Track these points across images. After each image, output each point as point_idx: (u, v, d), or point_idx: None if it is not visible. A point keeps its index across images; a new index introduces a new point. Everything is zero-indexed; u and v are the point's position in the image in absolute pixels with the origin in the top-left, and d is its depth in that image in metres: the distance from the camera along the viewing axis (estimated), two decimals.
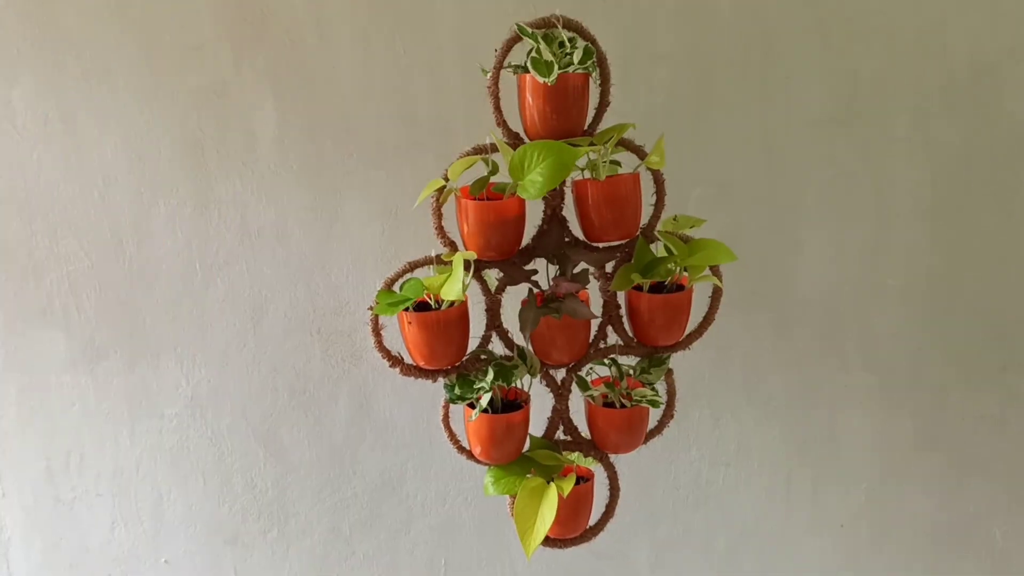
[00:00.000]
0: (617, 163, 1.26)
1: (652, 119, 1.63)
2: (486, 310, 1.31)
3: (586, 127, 1.26)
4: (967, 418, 2.00)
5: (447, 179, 1.23)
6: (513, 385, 1.30)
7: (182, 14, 1.69)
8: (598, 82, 1.25)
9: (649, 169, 1.28)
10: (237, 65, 1.72)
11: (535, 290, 1.29)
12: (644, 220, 1.29)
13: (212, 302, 1.81)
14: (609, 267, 1.32)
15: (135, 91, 1.71)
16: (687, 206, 1.80)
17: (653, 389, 1.34)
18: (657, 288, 1.31)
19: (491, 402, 1.27)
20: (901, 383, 1.97)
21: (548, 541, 1.35)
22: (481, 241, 1.24)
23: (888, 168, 1.85)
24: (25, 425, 1.84)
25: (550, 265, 1.31)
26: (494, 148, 1.23)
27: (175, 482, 1.90)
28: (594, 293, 1.33)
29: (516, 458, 1.33)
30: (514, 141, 1.25)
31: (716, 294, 1.35)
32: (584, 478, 1.37)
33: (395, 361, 1.27)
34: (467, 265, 1.20)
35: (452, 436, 1.36)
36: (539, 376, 1.34)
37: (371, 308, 1.24)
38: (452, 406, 1.34)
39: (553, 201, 1.29)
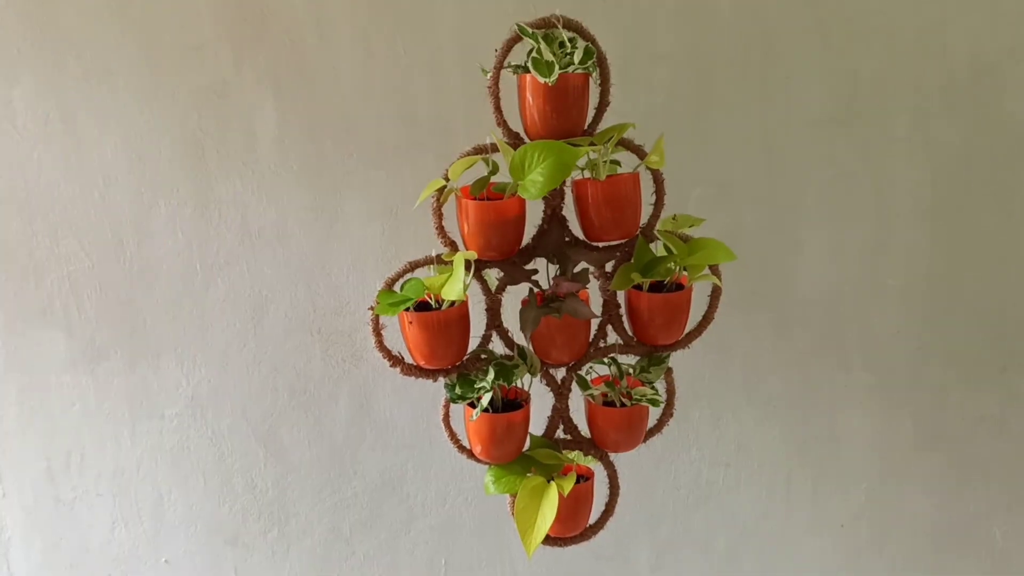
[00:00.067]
0: (617, 163, 1.26)
1: (652, 119, 1.63)
2: (486, 310, 1.31)
3: (586, 127, 1.26)
4: (967, 418, 2.00)
5: (447, 179, 1.23)
6: (513, 384, 1.30)
7: (182, 14, 1.69)
8: (598, 82, 1.26)
9: (649, 169, 1.28)
10: (237, 65, 1.72)
11: (535, 290, 1.29)
12: (644, 220, 1.30)
13: (212, 302, 1.81)
14: (609, 266, 1.32)
15: (135, 91, 1.71)
16: (687, 206, 1.80)
17: (653, 388, 1.34)
18: (657, 287, 1.31)
19: (491, 401, 1.27)
20: (901, 383, 1.97)
21: (549, 540, 1.35)
22: (481, 241, 1.24)
23: (888, 168, 1.85)
24: (25, 425, 1.84)
25: (550, 265, 1.31)
26: (494, 148, 1.23)
27: (175, 482, 1.90)
28: (594, 292, 1.33)
29: (516, 457, 1.33)
30: (514, 141, 1.25)
31: (715, 293, 1.35)
32: (584, 477, 1.37)
33: (396, 361, 1.27)
34: (468, 265, 1.20)
35: (452, 435, 1.36)
36: (539, 375, 1.34)
37: (372, 308, 1.24)
38: (452, 406, 1.34)
39: (553, 201, 1.29)
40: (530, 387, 1.34)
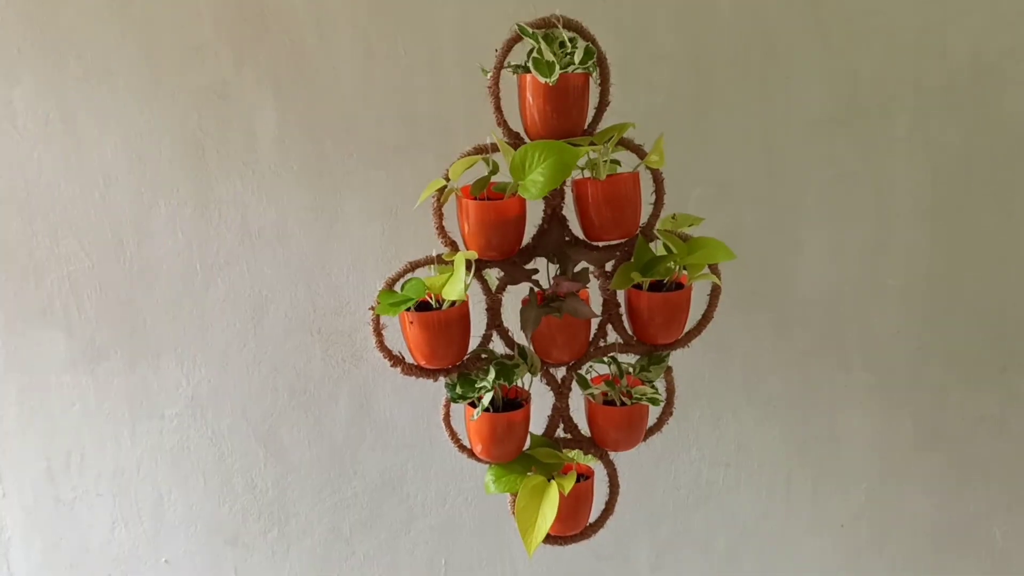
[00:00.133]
0: (617, 162, 1.26)
1: (652, 119, 1.63)
2: (487, 309, 1.32)
3: (586, 127, 1.26)
4: (967, 418, 2.00)
5: (448, 179, 1.23)
6: (514, 384, 1.30)
7: (182, 14, 1.69)
8: (598, 82, 1.26)
9: (648, 168, 1.28)
10: (237, 65, 1.72)
11: (536, 289, 1.29)
12: (644, 219, 1.30)
13: (212, 302, 1.81)
14: (609, 266, 1.32)
15: (135, 91, 1.71)
16: (687, 206, 1.80)
17: (653, 387, 1.35)
18: (656, 286, 1.31)
19: (492, 401, 1.27)
20: (901, 383, 1.97)
21: (549, 539, 1.35)
22: (482, 241, 1.24)
23: (888, 168, 1.85)
24: (25, 425, 1.84)
25: (550, 264, 1.31)
26: (495, 148, 1.23)
27: (175, 482, 1.90)
28: (593, 292, 1.33)
29: (517, 456, 1.34)
30: (514, 141, 1.26)
31: (715, 292, 1.35)
32: (584, 476, 1.38)
33: (396, 361, 1.27)
34: (469, 265, 1.20)
35: (453, 435, 1.36)
36: (539, 375, 1.34)
37: (372, 308, 1.24)
38: (452, 405, 1.34)
39: (553, 200, 1.29)
40: (530, 386, 1.34)
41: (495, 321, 1.32)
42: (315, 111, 1.75)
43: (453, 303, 1.24)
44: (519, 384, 1.33)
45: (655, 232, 1.31)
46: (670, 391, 1.40)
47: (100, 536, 1.92)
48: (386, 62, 1.73)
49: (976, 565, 2.10)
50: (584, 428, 1.40)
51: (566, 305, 1.25)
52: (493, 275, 1.31)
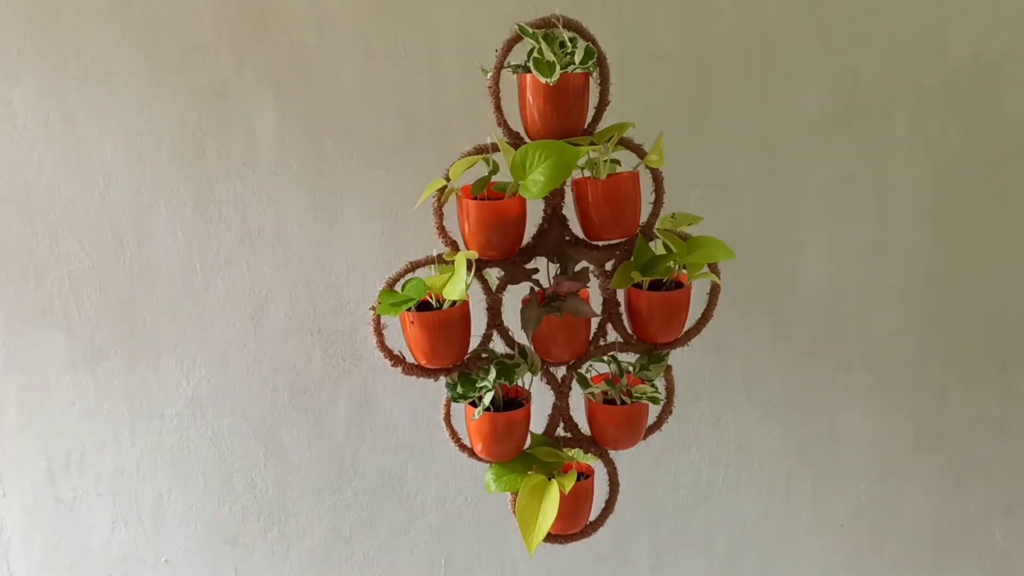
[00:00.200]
0: (617, 162, 1.26)
1: (652, 119, 1.63)
2: (487, 309, 1.32)
3: (586, 126, 1.26)
4: (967, 418, 2.00)
5: (448, 179, 1.23)
6: (514, 383, 1.30)
7: (182, 14, 1.69)
8: (597, 81, 1.26)
9: (648, 168, 1.28)
10: (237, 65, 1.72)
11: (536, 289, 1.29)
12: (643, 218, 1.30)
13: (212, 302, 1.81)
14: (609, 265, 1.32)
15: (135, 91, 1.71)
16: (687, 206, 1.80)
17: (653, 386, 1.35)
18: (656, 286, 1.31)
19: (492, 400, 1.27)
20: (901, 383, 1.98)
21: (550, 537, 1.35)
22: (482, 240, 1.24)
23: (888, 168, 1.85)
24: (25, 425, 1.84)
25: (551, 264, 1.31)
26: (495, 148, 1.23)
27: (175, 482, 1.90)
28: (593, 291, 1.33)
29: (517, 455, 1.34)
30: (515, 141, 1.26)
31: (714, 291, 1.35)
32: (584, 474, 1.38)
33: (397, 360, 1.27)
34: (469, 265, 1.20)
35: (454, 434, 1.36)
36: (539, 374, 1.34)
37: (373, 308, 1.24)
38: (453, 404, 1.34)
39: (553, 200, 1.29)
40: (530, 385, 1.34)
41: (495, 320, 1.32)
42: (315, 111, 1.75)
43: (454, 303, 1.24)
44: (519, 383, 1.33)
45: (655, 231, 1.31)
46: (670, 390, 1.41)
47: (100, 536, 1.92)
48: (386, 62, 1.73)
49: (976, 565, 2.10)
50: (584, 427, 1.41)
51: (567, 304, 1.25)
52: (493, 275, 1.31)
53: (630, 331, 1.35)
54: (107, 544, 1.92)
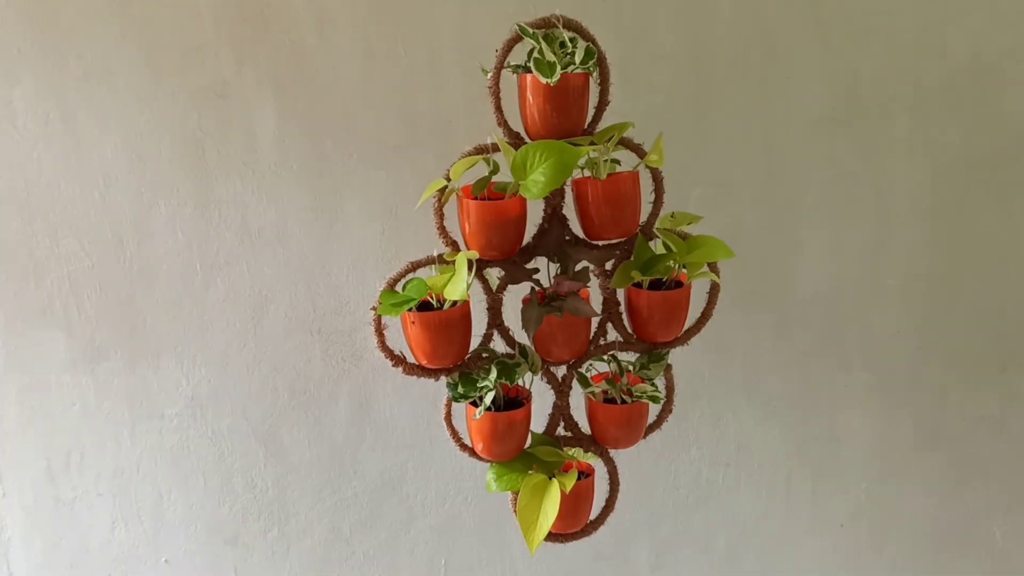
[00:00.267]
0: (617, 161, 1.26)
1: (652, 119, 1.64)
2: (488, 309, 1.32)
3: (586, 126, 1.26)
4: (967, 418, 2.00)
5: (449, 179, 1.23)
6: (515, 383, 1.31)
7: (182, 14, 1.69)
8: (597, 81, 1.26)
9: (648, 167, 1.28)
10: (237, 65, 1.72)
11: (536, 288, 1.30)
12: (643, 218, 1.30)
13: (212, 302, 1.81)
14: (609, 265, 1.33)
15: (135, 91, 1.71)
16: (687, 206, 1.80)
17: (653, 385, 1.35)
18: (656, 285, 1.31)
19: (493, 399, 1.27)
20: (901, 383, 1.98)
21: (550, 536, 1.35)
22: (483, 240, 1.24)
23: (888, 168, 1.85)
24: (25, 425, 1.84)
25: (551, 263, 1.31)
26: (495, 148, 1.23)
27: (175, 482, 1.90)
28: (593, 290, 1.33)
29: (518, 455, 1.34)
30: (515, 141, 1.26)
31: (714, 290, 1.36)
32: (585, 473, 1.38)
33: (398, 360, 1.27)
34: (470, 265, 1.20)
35: (455, 434, 1.36)
36: (540, 373, 1.34)
37: (374, 308, 1.24)
38: (453, 404, 1.34)
39: (554, 200, 1.29)
40: (531, 385, 1.34)
41: (496, 320, 1.32)
42: (315, 111, 1.75)
43: (454, 303, 1.24)
44: (520, 383, 1.33)
45: (655, 231, 1.31)
46: (670, 389, 1.41)
47: (100, 536, 1.92)
48: (386, 62, 1.73)
49: (976, 565, 2.10)
50: (584, 426, 1.41)
51: (567, 304, 1.25)
52: (494, 274, 1.31)
53: (630, 330, 1.35)
54: (107, 544, 1.92)
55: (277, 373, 1.86)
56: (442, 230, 1.28)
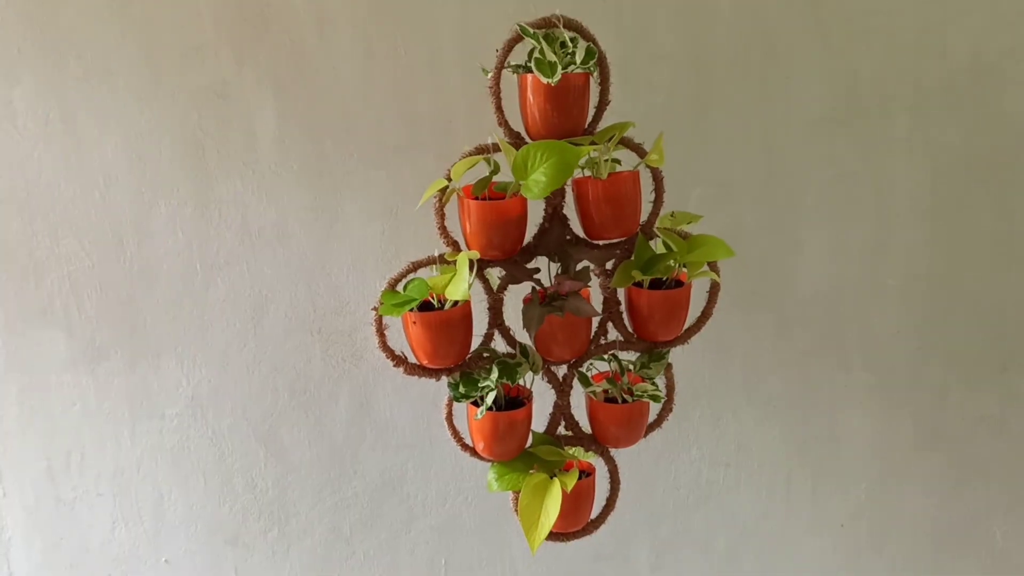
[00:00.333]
0: (617, 161, 1.26)
1: (652, 119, 1.64)
2: (488, 308, 1.32)
3: (586, 126, 1.26)
4: (967, 418, 2.01)
5: (450, 179, 1.23)
6: (516, 382, 1.31)
7: (182, 14, 1.69)
8: (598, 81, 1.26)
9: (648, 167, 1.28)
10: (237, 65, 1.72)
11: (537, 288, 1.30)
12: (643, 217, 1.30)
13: (212, 302, 1.81)
14: (609, 264, 1.33)
15: (135, 91, 1.71)
16: (687, 206, 1.80)
17: (654, 384, 1.35)
18: (656, 284, 1.31)
19: (494, 399, 1.27)
20: (901, 383, 1.98)
21: (551, 535, 1.36)
22: (484, 240, 1.24)
23: (888, 168, 1.85)
24: (26, 425, 1.84)
25: (552, 263, 1.32)
26: (496, 148, 1.23)
27: (176, 482, 1.90)
28: (594, 290, 1.33)
29: (519, 454, 1.34)
30: (516, 141, 1.26)
31: (714, 289, 1.36)
32: (586, 472, 1.38)
33: (399, 360, 1.28)
34: (471, 265, 1.20)
35: (456, 434, 1.36)
36: (540, 373, 1.34)
37: (375, 309, 1.24)
38: (454, 404, 1.34)
39: (554, 200, 1.29)
40: (532, 384, 1.34)
41: (497, 320, 1.32)
42: (315, 111, 1.75)
43: (456, 303, 1.24)
44: (521, 382, 1.33)
45: (655, 230, 1.31)
46: (670, 388, 1.41)
47: (100, 536, 1.91)
48: (386, 62, 1.73)
49: (976, 565, 2.10)
50: (585, 425, 1.41)
51: (568, 304, 1.25)
52: (495, 274, 1.31)
53: (631, 329, 1.35)
54: (107, 544, 1.92)
55: (277, 373, 1.86)
56: (443, 230, 1.28)
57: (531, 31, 1.19)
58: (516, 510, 1.33)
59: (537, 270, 1.30)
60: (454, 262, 1.23)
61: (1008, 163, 1.86)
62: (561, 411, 1.39)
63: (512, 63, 1.22)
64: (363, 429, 1.90)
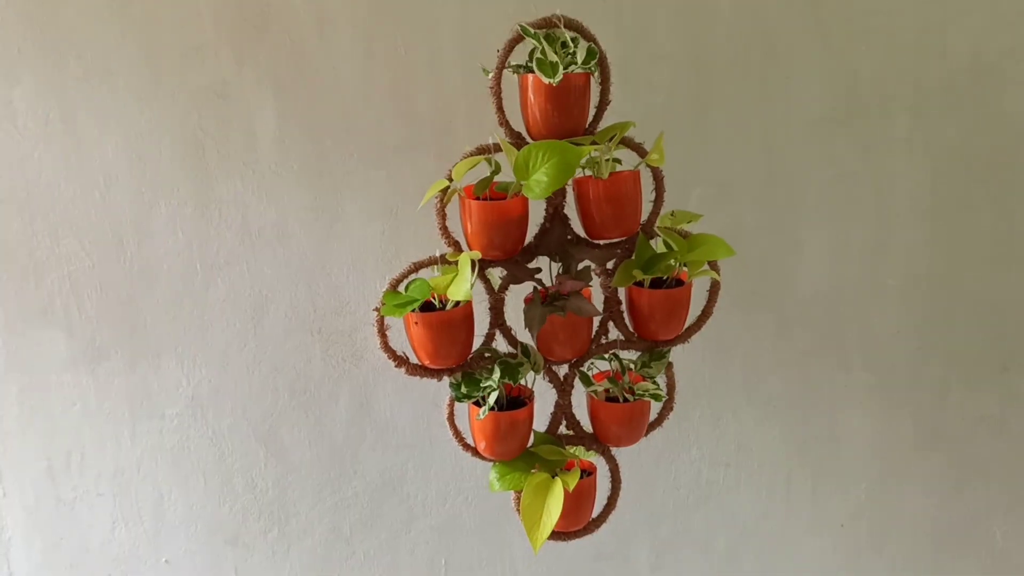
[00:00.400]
0: (617, 160, 1.26)
1: (652, 119, 1.64)
2: (490, 308, 1.32)
3: (587, 126, 1.26)
4: (967, 418, 2.01)
5: (451, 179, 1.23)
6: (517, 382, 1.31)
7: (182, 14, 1.69)
8: (598, 81, 1.26)
9: (648, 167, 1.29)
10: (237, 65, 1.71)
11: (539, 288, 1.30)
12: (644, 217, 1.30)
13: (213, 302, 1.81)
14: (610, 264, 1.33)
15: (135, 91, 1.71)
16: (688, 206, 1.80)
17: (655, 383, 1.35)
18: (657, 283, 1.31)
19: (496, 399, 1.27)
20: (901, 383, 1.98)
21: (553, 535, 1.36)
22: (485, 240, 1.24)
23: (888, 168, 1.85)
24: (26, 425, 1.84)
25: (553, 263, 1.32)
26: (497, 148, 1.23)
27: (176, 482, 1.90)
28: (595, 289, 1.33)
29: (520, 454, 1.34)
30: (516, 141, 1.26)
31: (714, 288, 1.36)
32: (587, 472, 1.38)
33: (400, 361, 1.28)
34: (473, 265, 1.20)
35: (457, 434, 1.36)
36: (542, 372, 1.35)
37: (377, 309, 1.24)
38: (455, 404, 1.34)
39: (555, 199, 1.29)
40: (533, 384, 1.34)
41: (498, 320, 1.32)
42: (315, 111, 1.75)
43: (457, 303, 1.24)
44: (522, 382, 1.33)
45: (655, 230, 1.31)
46: (670, 386, 1.41)
47: (100, 536, 1.91)
48: (386, 62, 1.73)
49: (976, 565, 2.10)
50: (586, 424, 1.41)
51: (570, 303, 1.25)
52: (496, 274, 1.31)
53: (631, 329, 1.36)
54: (107, 544, 1.92)
55: (277, 373, 1.86)
56: (444, 230, 1.28)
57: (532, 31, 1.19)
58: (518, 510, 1.33)
59: (538, 270, 1.31)
60: (455, 262, 1.23)
61: (1008, 163, 1.86)
62: (562, 410, 1.39)
63: (513, 63, 1.22)
64: (363, 429, 1.90)
